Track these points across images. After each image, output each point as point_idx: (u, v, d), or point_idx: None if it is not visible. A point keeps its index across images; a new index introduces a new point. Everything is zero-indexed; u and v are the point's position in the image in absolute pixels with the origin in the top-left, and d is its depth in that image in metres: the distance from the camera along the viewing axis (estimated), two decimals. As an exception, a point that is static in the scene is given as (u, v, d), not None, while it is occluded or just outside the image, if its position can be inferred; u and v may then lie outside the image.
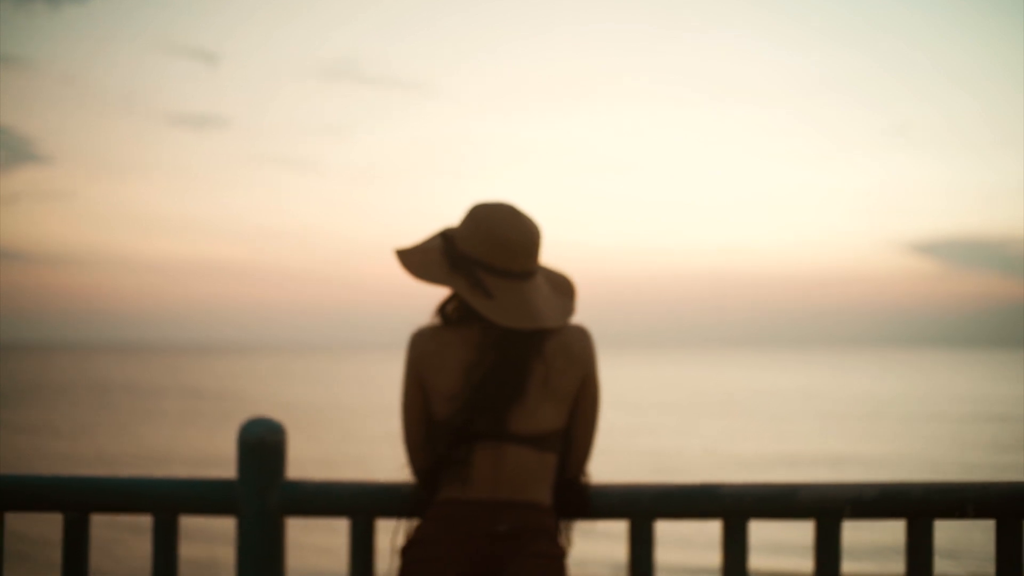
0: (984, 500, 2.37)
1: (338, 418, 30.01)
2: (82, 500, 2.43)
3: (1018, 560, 2.37)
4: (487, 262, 2.18)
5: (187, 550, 2.96)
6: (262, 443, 2.38)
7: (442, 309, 2.25)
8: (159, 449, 22.06)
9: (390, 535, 2.38)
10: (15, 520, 2.68)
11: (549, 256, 2.37)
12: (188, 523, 2.63)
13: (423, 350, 2.21)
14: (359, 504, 2.39)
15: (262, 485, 2.38)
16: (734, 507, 2.36)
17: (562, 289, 2.30)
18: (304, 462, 18.17)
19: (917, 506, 2.37)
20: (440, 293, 2.29)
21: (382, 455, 21.22)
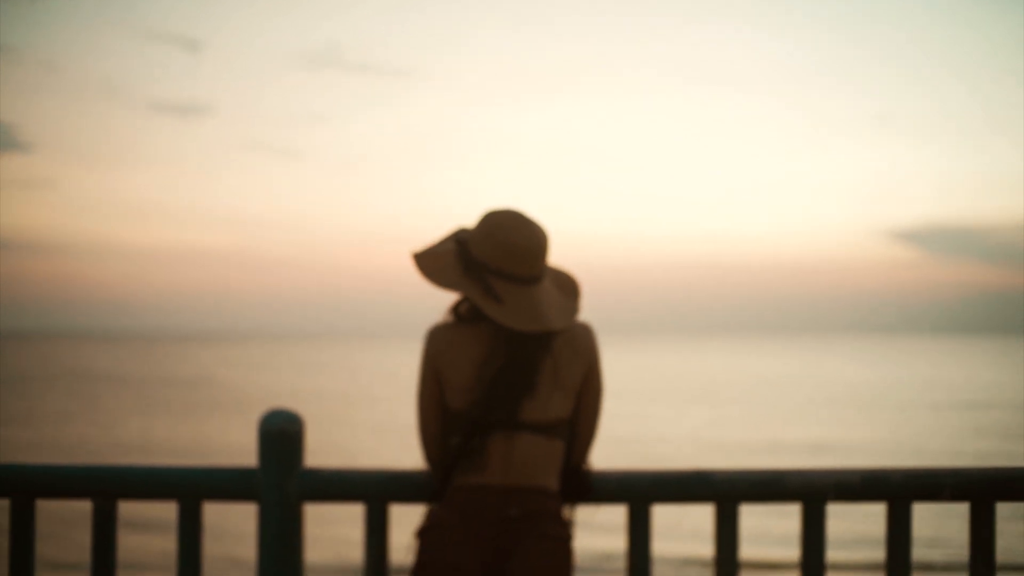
0: (959, 484, 2.55)
1: (326, 406, 30.13)
2: (110, 488, 2.57)
3: (990, 540, 2.56)
4: (498, 267, 2.33)
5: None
6: (282, 433, 2.53)
7: (456, 308, 2.42)
8: (144, 438, 22.14)
9: (402, 520, 2.53)
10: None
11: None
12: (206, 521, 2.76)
13: (439, 346, 2.37)
14: (373, 490, 2.55)
15: (282, 472, 2.53)
16: (726, 492, 2.54)
17: (567, 289, 2.47)
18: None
19: (897, 490, 2.55)
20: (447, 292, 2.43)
21: (373, 443, 21.41)
